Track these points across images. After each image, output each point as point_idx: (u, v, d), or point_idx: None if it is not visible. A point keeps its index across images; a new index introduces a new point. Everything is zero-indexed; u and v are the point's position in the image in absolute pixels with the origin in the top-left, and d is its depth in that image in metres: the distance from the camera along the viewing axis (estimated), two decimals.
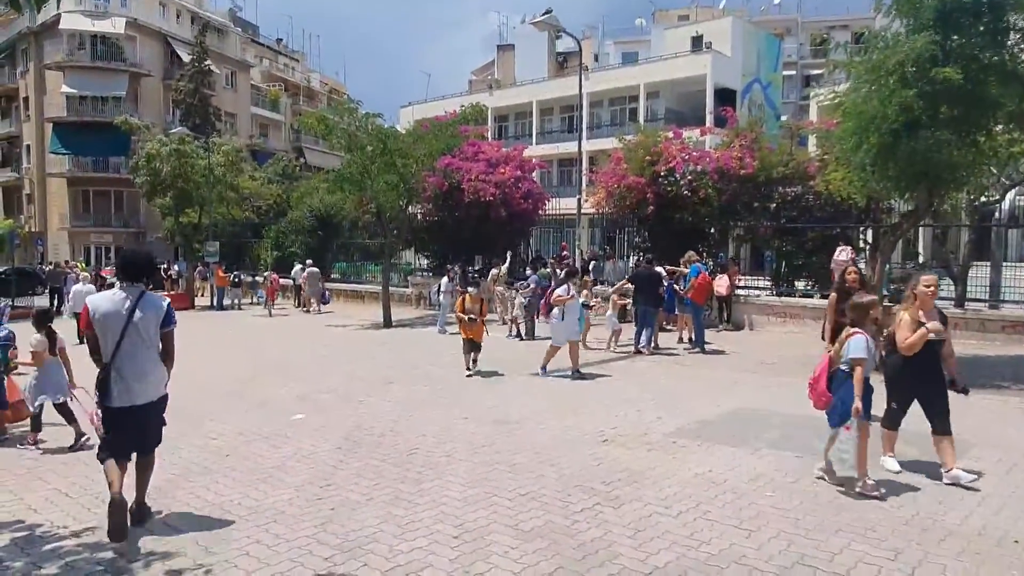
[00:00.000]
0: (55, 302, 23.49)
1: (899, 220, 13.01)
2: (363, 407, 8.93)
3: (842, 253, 12.26)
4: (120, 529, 4.73)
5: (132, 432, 5.08)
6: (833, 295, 7.95)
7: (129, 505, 4.93)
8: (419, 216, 23.50)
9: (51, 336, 7.55)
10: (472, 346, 11.11)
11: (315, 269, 23.20)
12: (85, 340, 5.43)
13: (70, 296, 18.01)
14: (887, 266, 12.51)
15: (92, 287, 16.50)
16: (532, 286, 15.98)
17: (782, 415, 8.23)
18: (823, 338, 7.92)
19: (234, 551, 4.67)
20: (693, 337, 13.59)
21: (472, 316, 11.03)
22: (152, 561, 4.49)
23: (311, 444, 7.21)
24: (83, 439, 7.12)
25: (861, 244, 17.84)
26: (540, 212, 23.06)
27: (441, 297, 16.77)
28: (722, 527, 5.01)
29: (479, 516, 5.24)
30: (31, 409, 7.43)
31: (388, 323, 18.13)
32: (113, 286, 5.71)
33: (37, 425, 7.46)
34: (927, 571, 4.34)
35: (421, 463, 6.56)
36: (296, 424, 8.07)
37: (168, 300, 5.39)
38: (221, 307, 25.02)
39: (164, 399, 5.33)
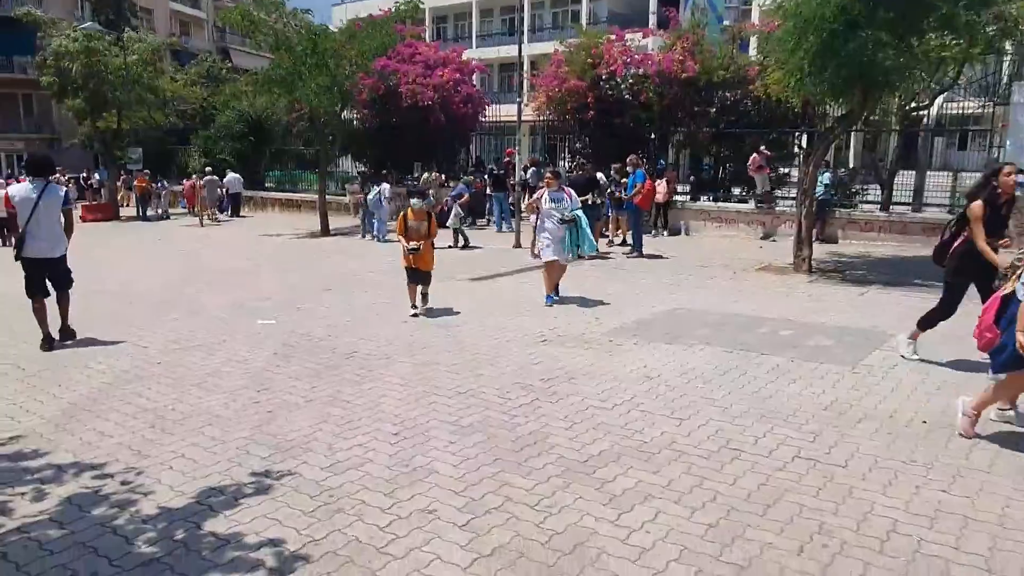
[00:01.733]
0: None
1: (832, 124, 13.18)
2: (300, 314, 8.79)
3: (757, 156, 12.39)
4: (49, 346, 7.24)
5: (43, 275, 7.28)
6: (979, 204, 5.70)
7: (57, 331, 7.40)
8: (355, 121, 22.65)
9: None
10: (418, 277, 8.62)
11: (214, 177, 22.59)
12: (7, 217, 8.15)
13: None
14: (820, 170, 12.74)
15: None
16: (463, 194, 15.87)
17: (716, 314, 8.49)
18: (936, 261, 6.29)
19: (169, 454, 4.60)
20: (631, 241, 13.77)
21: (415, 244, 8.38)
22: (83, 470, 4.39)
23: (246, 351, 7.09)
24: None
25: (796, 149, 18.14)
26: (481, 118, 22.51)
27: (384, 203, 16.41)
28: (655, 417, 5.20)
29: (418, 414, 5.29)
30: None
31: (326, 232, 17.73)
32: None
33: None
34: (842, 450, 4.61)
35: (359, 366, 6.54)
36: (231, 331, 7.90)
37: (65, 189, 7.65)
38: (146, 217, 23.98)
39: (64, 257, 7.40)
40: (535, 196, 9.35)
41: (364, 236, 16.94)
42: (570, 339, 7.39)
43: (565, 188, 9.18)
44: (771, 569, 3.30)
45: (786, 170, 18.60)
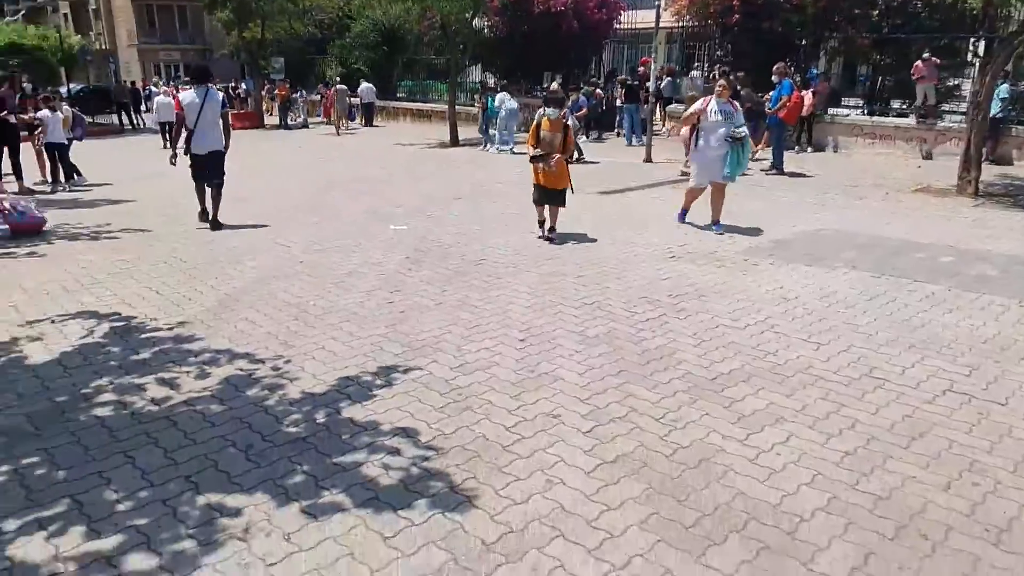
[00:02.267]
0: (122, 117, 24.25)
1: (1018, 29, 11.52)
2: (431, 221, 8.99)
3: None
4: (205, 221, 8.78)
5: (205, 168, 8.59)
6: None
7: (209, 217, 8.75)
8: (486, 30, 22.29)
9: None
10: (549, 196, 7.78)
11: (344, 87, 23.02)
12: (176, 119, 9.76)
13: (154, 106, 19.85)
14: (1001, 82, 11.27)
15: (169, 99, 17.32)
16: (582, 107, 15.40)
17: (864, 236, 7.89)
18: None
19: (311, 345, 4.91)
20: (771, 157, 12.93)
21: (545, 155, 7.55)
22: (237, 355, 4.77)
23: (380, 254, 7.36)
24: None
25: (970, 58, 16.14)
26: (615, 25, 21.51)
27: (505, 112, 16.24)
28: (790, 340, 4.96)
29: (544, 322, 5.33)
30: None
31: (455, 142, 17.87)
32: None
33: None
34: (1002, 387, 4.22)
35: (487, 273, 6.64)
36: (367, 235, 8.22)
37: (223, 95, 8.76)
38: (287, 126, 25.08)
39: (222, 153, 8.67)
40: (695, 107, 8.12)
41: (486, 147, 16.91)
42: (701, 256, 7.13)
43: (732, 100, 8.03)
44: (913, 502, 3.12)
45: (956, 81, 16.63)
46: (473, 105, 20.55)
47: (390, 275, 6.61)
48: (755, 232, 8.08)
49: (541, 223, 7.96)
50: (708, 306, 5.64)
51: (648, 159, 14.18)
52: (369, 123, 24.53)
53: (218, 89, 9.64)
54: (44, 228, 8.61)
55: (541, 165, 7.64)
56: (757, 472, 3.34)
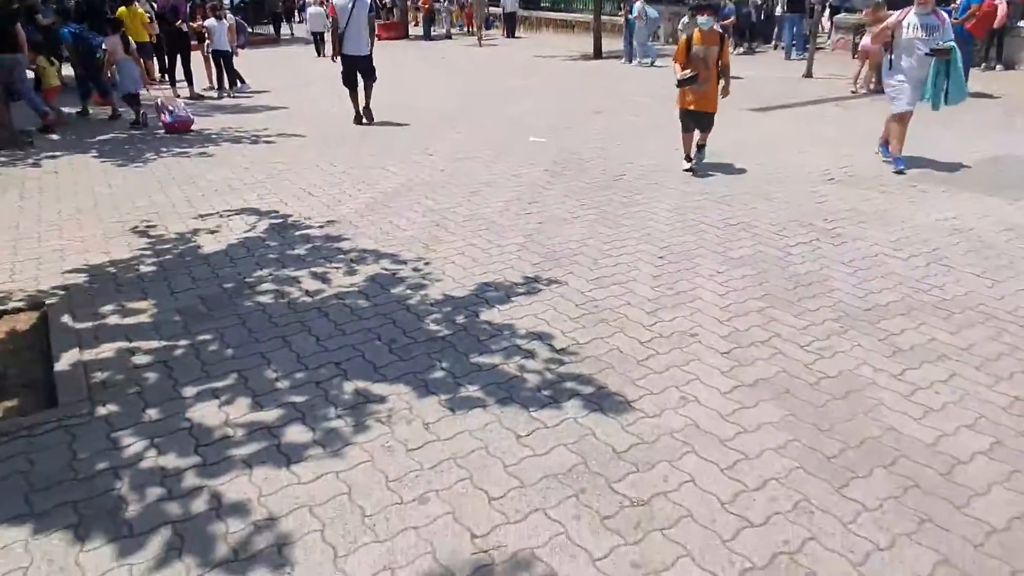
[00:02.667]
0: (277, 26, 25.29)
1: None
2: (570, 133, 8.82)
3: None
4: (359, 123, 9.62)
5: (355, 70, 9.39)
6: None
7: (363, 114, 9.64)
8: None
9: (124, 39, 10.07)
10: (697, 121, 6.87)
11: None
12: (330, 22, 9.72)
13: (307, 16, 20.38)
14: None
15: (321, 9, 17.81)
16: (730, 16, 14.28)
17: None
18: None
19: (451, 251, 5.04)
20: None
21: (694, 75, 6.59)
22: (382, 255, 4.98)
23: (519, 166, 7.34)
24: (142, 119, 9.86)
25: None
26: None
27: (643, 23, 15.41)
28: (960, 273, 4.51)
29: (685, 240, 5.15)
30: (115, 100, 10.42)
31: (598, 54, 17.26)
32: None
33: (135, 107, 9.99)
34: None
35: (627, 188, 6.47)
36: (506, 146, 8.21)
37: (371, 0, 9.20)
38: (430, 37, 25.14)
39: (371, 56, 9.41)
40: (890, 20, 6.82)
41: (629, 61, 16.18)
42: (864, 180, 6.57)
43: (939, 11, 6.70)
44: None
45: None
46: (618, 15, 19.63)
47: (528, 186, 6.59)
48: (928, 157, 7.30)
49: (688, 159, 7.02)
50: (868, 233, 5.23)
51: (808, 74, 13.07)
52: (511, 34, 24.13)
53: None
54: (193, 128, 9.50)
55: (686, 83, 6.67)
56: (912, 409, 3.12)
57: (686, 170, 6.92)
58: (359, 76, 9.47)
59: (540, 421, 3.04)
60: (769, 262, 4.73)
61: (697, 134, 7.00)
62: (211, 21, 12.35)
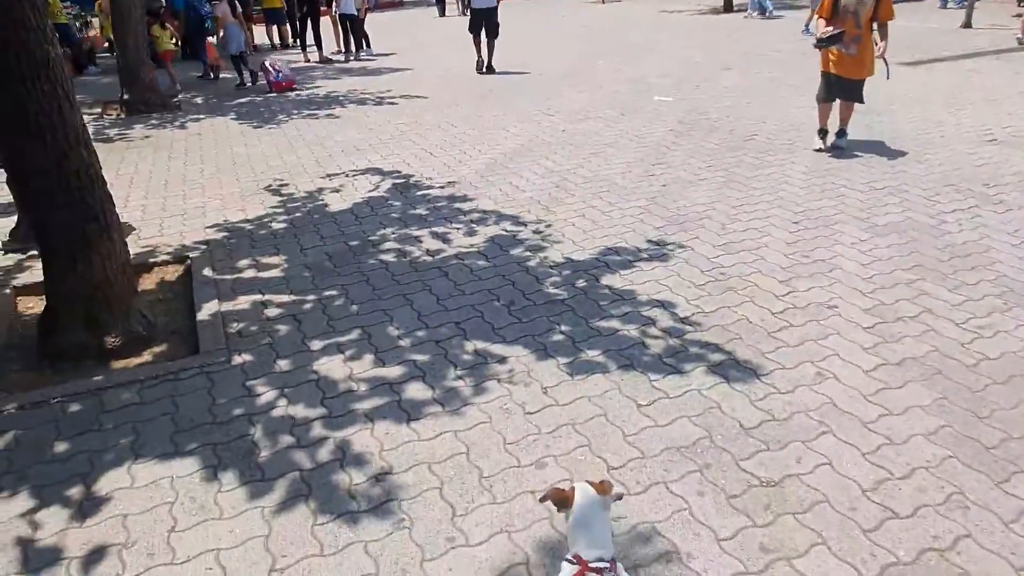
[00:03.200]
0: None
1: None
2: (698, 92, 8.41)
3: None
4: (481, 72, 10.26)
5: (481, 20, 10.03)
6: None
7: (485, 66, 10.25)
8: None
9: (232, 4, 10.89)
10: (844, 90, 5.69)
11: None
12: None
13: None
14: None
15: None
16: None
17: None
18: None
19: (572, 213, 4.93)
20: None
21: (840, 33, 5.43)
22: (502, 217, 4.94)
23: (643, 126, 7.08)
24: (247, 82, 10.77)
25: None
26: None
27: None
28: None
29: (824, 205, 4.79)
30: (221, 62, 11.47)
31: (728, 7, 16.32)
32: None
33: (238, 68, 10.90)
34: None
35: (759, 149, 6.09)
36: (630, 106, 7.94)
37: None
38: None
39: (495, 10, 9.88)
40: None
41: (750, 13, 15.17)
42: None
43: None
44: None
45: None
46: None
47: (652, 147, 6.35)
48: None
49: (823, 133, 5.94)
50: None
51: (968, 24, 11.78)
52: None
53: None
54: (321, 91, 9.97)
55: (837, 48, 5.59)
56: None
57: (817, 150, 5.87)
58: (484, 29, 10.12)
59: (662, 391, 2.92)
60: (920, 230, 4.32)
61: (837, 109, 5.85)
62: None
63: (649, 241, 4.38)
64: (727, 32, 13.41)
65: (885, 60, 5.48)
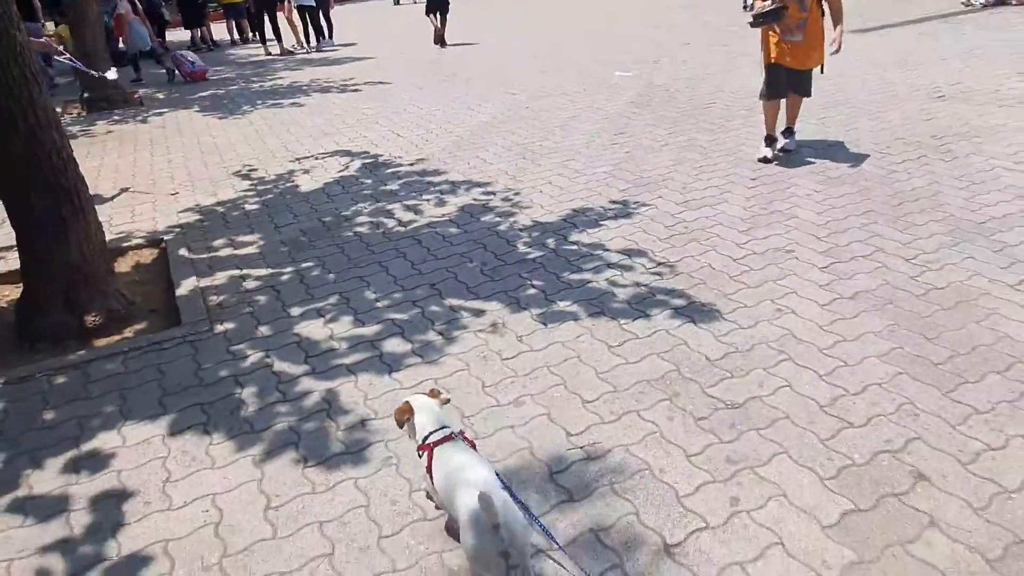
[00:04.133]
0: None
1: None
2: (657, 67, 8.57)
3: None
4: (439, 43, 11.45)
5: (436, 5, 11.37)
6: None
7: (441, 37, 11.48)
8: None
9: (132, 3, 10.98)
10: (792, 81, 4.90)
11: None
12: None
13: None
14: None
15: None
16: None
17: None
18: None
19: (538, 180, 5.05)
20: None
21: (775, 8, 4.61)
22: (472, 186, 5.05)
23: (604, 100, 7.22)
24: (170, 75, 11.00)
25: None
26: None
27: None
28: None
29: (780, 162, 4.96)
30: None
31: None
32: None
33: (136, 67, 11.20)
34: None
35: (718, 116, 6.27)
36: (592, 82, 8.07)
37: None
38: None
39: None
40: None
41: None
42: (979, 95, 6.09)
43: None
44: None
45: None
46: None
47: (614, 118, 6.49)
48: None
49: (771, 140, 5.06)
50: (983, 148, 4.88)
51: None
52: None
53: None
54: (208, 76, 10.60)
55: (779, 30, 4.72)
56: None
57: (763, 159, 4.98)
58: (438, 11, 11.51)
59: (632, 332, 3.06)
60: (872, 180, 4.51)
61: (784, 108, 5.09)
62: None
63: (614, 202, 4.52)
64: (686, 9, 13.58)
65: (839, 44, 4.64)
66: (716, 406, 2.55)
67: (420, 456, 1.93)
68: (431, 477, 1.87)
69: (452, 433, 1.90)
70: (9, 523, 2.27)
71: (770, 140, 5.11)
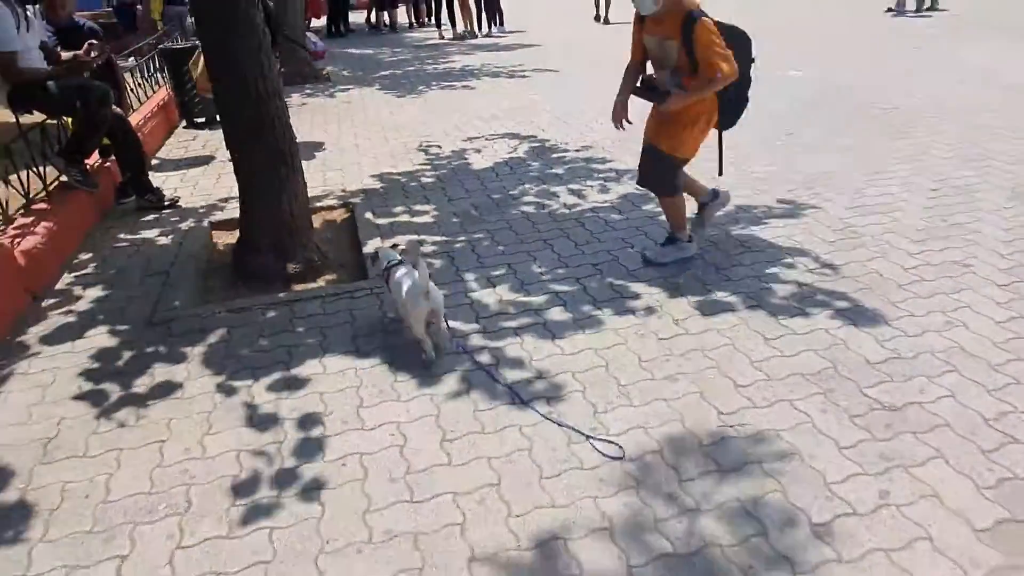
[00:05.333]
0: None
1: None
2: (834, 66, 8.25)
3: None
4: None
5: None
6: None
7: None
8: None
9: None
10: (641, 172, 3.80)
11: None
12: None
13: None
14: None
15: None
16: None
17: None
18: None
19: (700, 174, 5.10)
20: None
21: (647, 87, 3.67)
22: (634, 176, 5.18)
23: (773, 97, 7.06)
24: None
25: None
26: None
27: None
28: None
29: (965, 175, 4.73)
30: None
31: None
32: None
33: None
34: None
35: (899, 121, 6.00)
36: (760, 77, 7.90)
37: None
38: None
39: None
40: None
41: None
42: None
43: None
44: None
45: None
46: None
47: (783, 116, 6.38)
48: None
49: (678, 235, 3.84)
50: None
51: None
52: None
53: None
54: (324, 56, 11.02)
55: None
56: None
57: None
58: None
59: (789, 328, 3.11)
60: None
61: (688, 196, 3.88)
62: None
63: (779, 200, 4.52)
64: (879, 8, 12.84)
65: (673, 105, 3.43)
66: (872, 406, 2.58)
67: (384, 279, 3.15)
68: (389, 288, 3.10)
69: (398, 262, 3.15)
70: (236, 423, 2.73)
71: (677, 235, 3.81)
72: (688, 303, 3.39)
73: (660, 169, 3.69)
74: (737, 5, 12.19)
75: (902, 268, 3.57)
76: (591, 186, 5.06)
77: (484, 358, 3.03)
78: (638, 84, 3.64)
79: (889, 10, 12.10)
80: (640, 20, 3.52)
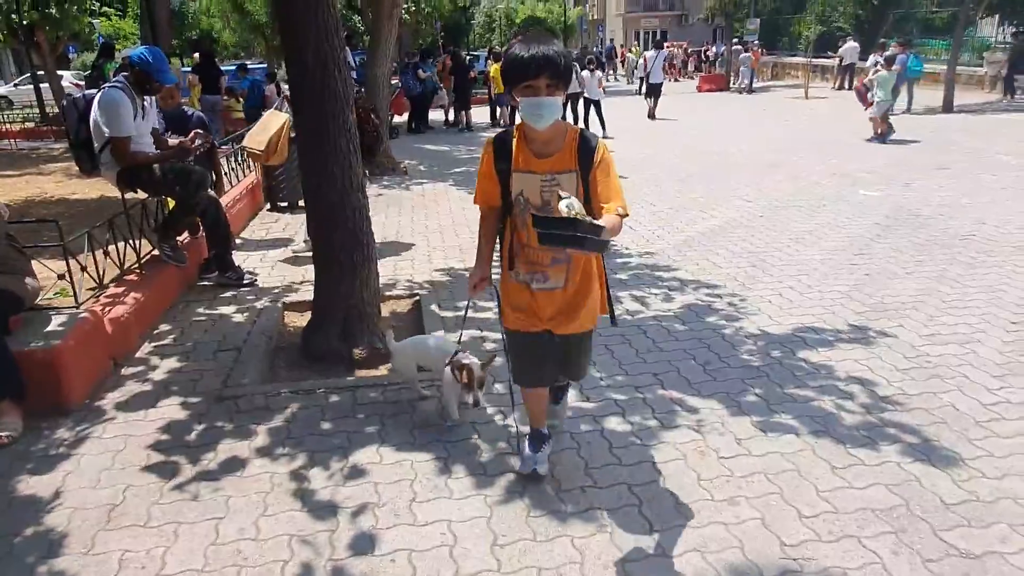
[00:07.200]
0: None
1: None
2: (909, 190, 8.21)
3: None
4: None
5: (651, 91, 15.04)
6: None
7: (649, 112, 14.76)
8: None
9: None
10: (557, 353, 2.81)
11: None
12: None
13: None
14: None
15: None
16: None
17: None
18: None
19: (767, 291, 5.08)
20: None
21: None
22: (699, 286, 5.20)
23: (846, 217, 7.06)
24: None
25: None
26: None
27: None
28: None
29: None
30: None
31: (948, 108, 15.63)
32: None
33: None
34: None
35: (977, 249, 5.87)
36: (830, 197, 7.93)
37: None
38: (751, 90, 24.83)
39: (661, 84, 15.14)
40: None
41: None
42: None
43: None
44: None
45: None
46: (980, 65, 17.57)
47: (855, 238, 6.33)
48: None
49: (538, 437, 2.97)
50: None
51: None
52: (845, 85, 22.85)
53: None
54: None
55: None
56: None
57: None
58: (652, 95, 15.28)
59: (857, 458, 3.00)
60: None
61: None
62: (585, 73, 13.94)
63: (849, 324, 4.43)
64: (944, 131, 12.84)
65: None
66: (948, 551, 2.43)
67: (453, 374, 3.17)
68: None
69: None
70: (292, 507, 2.76)
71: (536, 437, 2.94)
72: (751, 422, 3.31)
73: (589, 348, 2.89)
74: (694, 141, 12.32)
75: (980, 403, 3.42)
76: (654, 293, 5.08)
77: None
78: (534, 224, 2.27)
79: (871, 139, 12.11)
80: (502, 153, 2.56)
